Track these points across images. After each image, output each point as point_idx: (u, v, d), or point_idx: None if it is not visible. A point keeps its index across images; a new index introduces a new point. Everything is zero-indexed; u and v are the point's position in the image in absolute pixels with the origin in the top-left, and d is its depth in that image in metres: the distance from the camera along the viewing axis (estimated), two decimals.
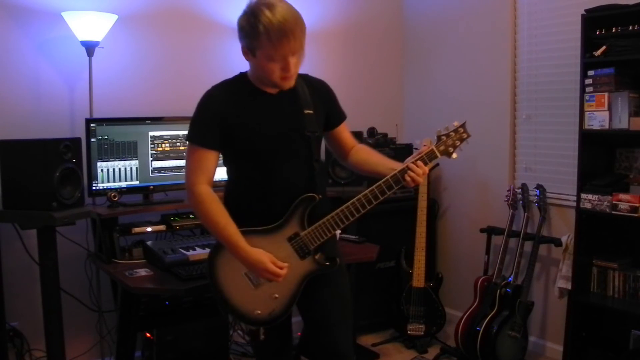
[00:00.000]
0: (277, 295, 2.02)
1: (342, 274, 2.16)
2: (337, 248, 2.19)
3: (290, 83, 1.98)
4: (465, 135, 2.09)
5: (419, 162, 2.02)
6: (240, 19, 1.91)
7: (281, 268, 1.96)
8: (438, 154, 2.06)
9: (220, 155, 2.05)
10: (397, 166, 2.05)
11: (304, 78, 2.12)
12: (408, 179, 2.00)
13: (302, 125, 2.03)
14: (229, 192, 2.09)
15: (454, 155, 2.09)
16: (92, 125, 2.93)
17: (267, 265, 1.94)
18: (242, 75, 2.05)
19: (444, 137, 2.07)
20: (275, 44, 1.83)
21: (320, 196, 2.04)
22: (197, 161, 1.98)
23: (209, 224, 1.98)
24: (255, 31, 1.84)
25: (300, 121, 2.03)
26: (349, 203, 2.01)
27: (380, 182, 2.02)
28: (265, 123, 2.00)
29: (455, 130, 2.08)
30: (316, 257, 2.04)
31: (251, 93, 2.01)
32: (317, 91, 2.12)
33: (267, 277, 1.96)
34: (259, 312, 2.02)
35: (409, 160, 2.04)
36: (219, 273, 2.02)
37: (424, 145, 2.11)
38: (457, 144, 2.08)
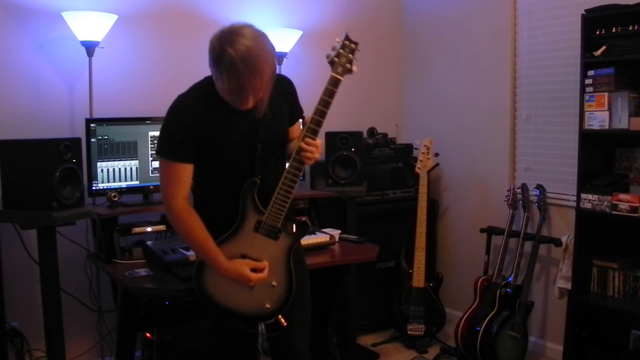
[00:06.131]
0: (274, 283, 2.02)
1: (301, 264, 2.14)
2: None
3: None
4: (353, 45, 1.98)
5: (307, 139, 1.96)
6: None
7: (261, 269, 1.98)
8: (340, 77, 1.95)
9: None
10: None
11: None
12: (306, 160, 1.97)
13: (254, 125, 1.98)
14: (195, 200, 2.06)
15: (354, 68, 1.97)
16: (92, 125, 2.93)
17: (248, 275, 1.96)
18: (208, 79, 2.01)
19: (336, 59, 1.96)
20: None
21: (259, 177, 1.98)
22: (174, 175, 1.95)
23: (187, 239, 2.02)
24: None
25: (251, 122, 1.97)
26: (285, 172, 1.97)
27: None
28: (222, 130, 1.96)
29: (343, 46, 1.97)
30: (287, 230, 2.02)
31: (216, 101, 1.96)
32: (279, 88, 2.05)
33: (252, 284, 1.98)
34: (268, 305, 2.02)
35: (300, 136, 1.98)
36: (211, 290, 2.02)
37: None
38: (351, 57, 1.97)
